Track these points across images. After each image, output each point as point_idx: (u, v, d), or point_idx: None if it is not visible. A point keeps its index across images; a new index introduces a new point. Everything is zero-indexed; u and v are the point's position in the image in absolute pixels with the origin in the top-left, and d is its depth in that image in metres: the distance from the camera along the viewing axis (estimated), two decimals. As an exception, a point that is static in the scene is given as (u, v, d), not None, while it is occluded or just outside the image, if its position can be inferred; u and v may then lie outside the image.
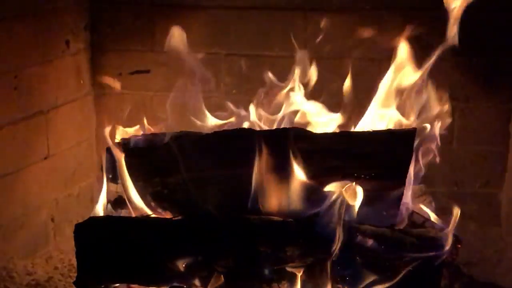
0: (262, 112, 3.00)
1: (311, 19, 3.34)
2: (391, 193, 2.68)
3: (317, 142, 2.70)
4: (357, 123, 2.92)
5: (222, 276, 2.61)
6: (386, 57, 2.96)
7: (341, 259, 2.62)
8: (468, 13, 2.87)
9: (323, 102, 3.02)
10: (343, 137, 2.75)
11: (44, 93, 3.38)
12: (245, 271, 2.63)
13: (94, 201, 3.69)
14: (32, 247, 3.35)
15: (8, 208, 3.20)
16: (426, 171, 2.87)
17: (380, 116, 2.90)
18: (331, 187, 2.65)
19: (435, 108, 2.89)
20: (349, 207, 2.65)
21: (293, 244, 2.61)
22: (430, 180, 2.95)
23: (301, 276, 2.62)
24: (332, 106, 3.02)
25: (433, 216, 2.84)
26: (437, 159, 2.84)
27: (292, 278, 2.62)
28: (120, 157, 2.73)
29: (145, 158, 2.76)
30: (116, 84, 3.10)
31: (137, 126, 2.94)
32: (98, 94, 3.75)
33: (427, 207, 2.88)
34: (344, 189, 2.63)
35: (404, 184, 2.69)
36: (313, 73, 3.03)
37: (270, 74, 3.02)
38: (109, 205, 2.86)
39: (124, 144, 2.87)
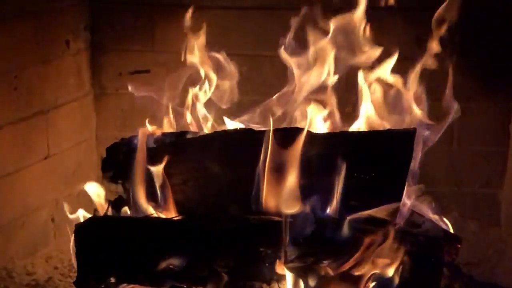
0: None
1: (311, 19, 3.34)
2: (391, 193, 2.69)
3: (317, 142, 2.71)
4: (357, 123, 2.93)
5: (222, 276, 2.61)
6: (386, 57, 2.96)
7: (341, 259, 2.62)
8: (468, 13, 2.87)
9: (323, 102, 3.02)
10: (343, 137, 2.75)
11: (44, 93, 3.38)
12: (245, 271, 2.63)
13: (94, 201, 3.69)
14: (32, 247, 3.34)
15: (8, 208, 3.20)
16: (426, 171, 2.87)
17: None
18: (331, 187, 2.66)
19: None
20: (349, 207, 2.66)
21: (293, 244, 2.61)
22: (430, 180, 2.95)
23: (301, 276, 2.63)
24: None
25: (433, 216, 2.84)
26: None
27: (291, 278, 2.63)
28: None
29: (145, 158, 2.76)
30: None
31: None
32: (98, 94, 3.75)
33: (427, 207, 2.88)
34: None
35: (404, 184, 2.69)
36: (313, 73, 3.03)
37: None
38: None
39: (124, 145, 2.87)
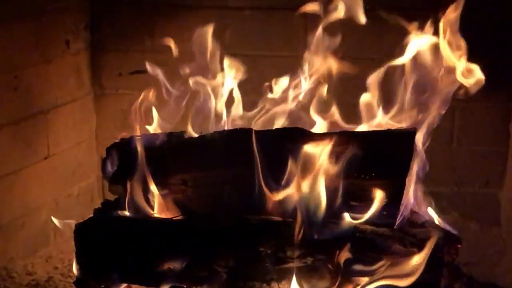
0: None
1: (311, 19, 3.34)
2: (391, 193, 2.69)
3: (317, 142, 2.71)
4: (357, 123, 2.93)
5: (222, 276, 2.61)
6: (386, 57, 2.96)
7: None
8: (468, 13, 2.87)
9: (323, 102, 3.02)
10: (343, 137, 2.75)
11: (44, 93, 3.38)
12: (245, 271, 2.63)
13: (94, 201, 3.70)
14: (32, 247, 3.35)
15: (8, 208, 3.21)
16: (426, 171, 2.87)
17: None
18: (331, 187, 2.66)
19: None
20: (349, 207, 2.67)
21: (293, 244, 2.61)
22: (430, 180, 2.95)
23: (301, 275, 2.63)
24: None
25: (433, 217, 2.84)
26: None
27: (292, 277, 2.62)
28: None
29: (145, 157, 2.76)
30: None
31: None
32: (98, 94, 3.75)
33: (427, 207, 2.88)
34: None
35: (404, 184, 2.69)
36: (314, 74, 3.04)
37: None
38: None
39: (124, 144, 2.87)
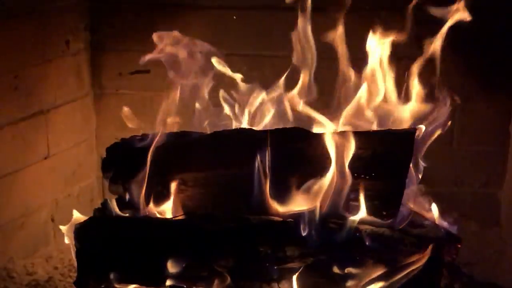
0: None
1: (311, 19, 3.33)
2: (391, 193, 2.69)
3: (317, 142, 2.71)
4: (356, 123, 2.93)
5: (222, 276, 2.62)
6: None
7: (341, 259, 2.62)
8: (468, 13, 2.88)
9: (323, 102, 3.02)
10: (343, 137, 2.74)
11: (44, 93, 3.38)
12: (245, 271, 2.63)
13: (94, 201, 3.70)
14: (32, 247, 3.35)
15: (8, 208, 3.21)
16: (426, 171, 2.87)
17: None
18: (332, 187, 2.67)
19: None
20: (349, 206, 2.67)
21: (293, 244, 2.61)
22: (430, 180, 2.95)
23: (301, 275, 2.63)
24: (332, 106, 3.02)
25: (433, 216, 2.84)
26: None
27: (292, 277, 2.62)
28: None
29: (145, 158, 2.76)
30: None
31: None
32: (98, 94, 3.75)
33: (427, 207, 2.88)
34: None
35: (404, 184, 2.69)
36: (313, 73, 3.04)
37: None
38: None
39: (124, 144, 2.87)
